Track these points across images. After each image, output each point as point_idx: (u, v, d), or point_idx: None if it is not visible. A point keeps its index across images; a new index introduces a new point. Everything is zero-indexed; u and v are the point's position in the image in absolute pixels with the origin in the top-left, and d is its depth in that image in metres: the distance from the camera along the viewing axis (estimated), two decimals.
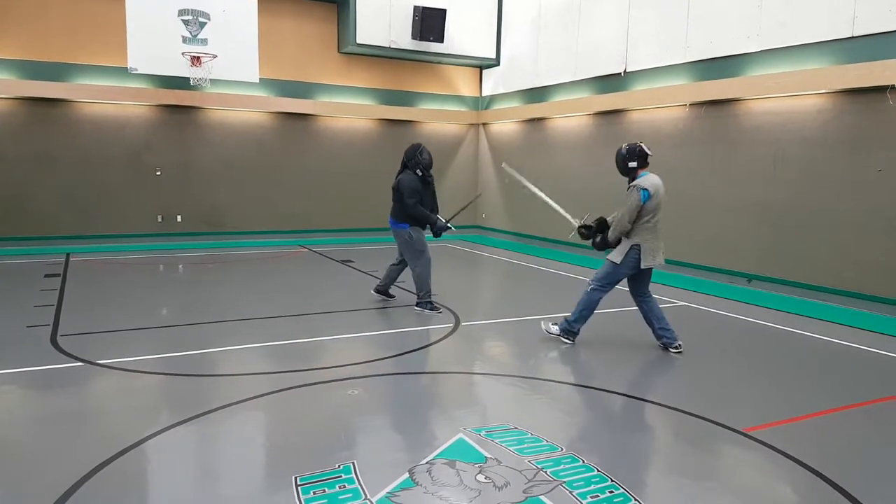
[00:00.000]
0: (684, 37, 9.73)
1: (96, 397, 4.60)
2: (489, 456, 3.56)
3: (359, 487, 3.18)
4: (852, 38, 7.62)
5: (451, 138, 14.95)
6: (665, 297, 7.98)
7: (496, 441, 3.76)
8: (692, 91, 9.59)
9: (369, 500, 3.07)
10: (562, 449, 3.69)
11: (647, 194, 5.45)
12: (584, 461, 3.53)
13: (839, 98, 7.90)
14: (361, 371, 5.09)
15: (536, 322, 6.78)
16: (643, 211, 5.49)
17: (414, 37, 13.00)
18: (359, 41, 12.70)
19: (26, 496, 3.10)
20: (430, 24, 12.89)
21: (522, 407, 4.53)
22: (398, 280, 7.64)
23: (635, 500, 3.13)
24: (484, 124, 15.14)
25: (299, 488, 3.17)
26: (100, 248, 11.35)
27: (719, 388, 4.95)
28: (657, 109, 10.37)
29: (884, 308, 7.41)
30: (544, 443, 3.77)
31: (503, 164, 7.78)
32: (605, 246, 5.85)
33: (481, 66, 14.88)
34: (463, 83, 15.03)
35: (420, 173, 7.03)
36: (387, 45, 12.97)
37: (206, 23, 10.60)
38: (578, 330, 5.89)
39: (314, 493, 3.13)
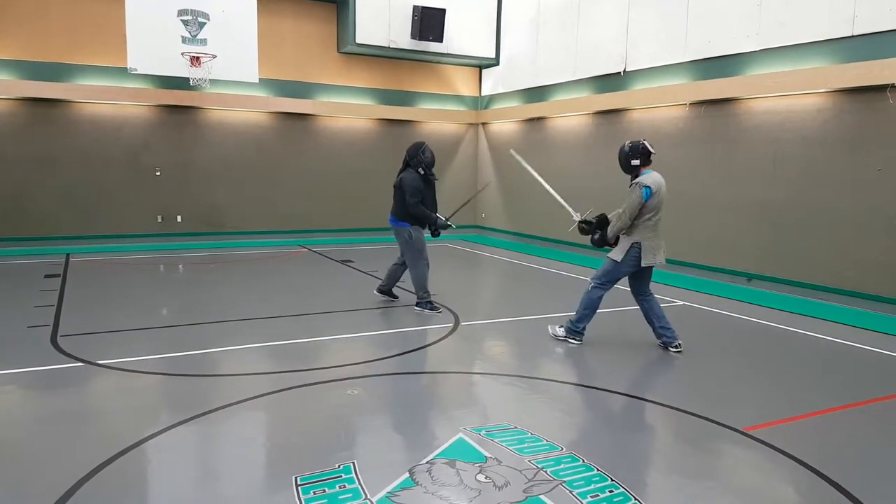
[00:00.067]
0: (684, 36, 9.73)
1: (96, 397, 4.60)
2: (489, 455, 3.56)
3: (359, 487, 3.18)
4: (852, 37, 7.62)
5: (450, 138, 14.95)
6: (665, 297, 7.98)
7: (496, 441, 3.76)
8: (692, 90, 9.59)
9: (369, 499, 3.07)
10: (562, 448, 3.69)
11: (648, 192, 5.45)
12: (584, 461, 3.53)
13: (839, 97, 7.90)
14: (361, 371, 5.09)
15: (536, 322, 6.79)
16: (644, 209, 5.49)
17: (413, 36, 13.01)
18: (358, 41, 12.71)
19: (26, 496, 3.11)
20: (429, 23, 12.90)
21: (522, 406, 4.53)
22: (399, 280, 7.62)
23: (635, 499, 3.13)
24: (483, 124, 15.14)
25: (299, 488, 3.17)
26: (100, 249, 11.35)
27: (719, 387, 4.95)
28: (657, 109, 10.38)
29: (884, 307, 7.41)
30: (544, 442, 3.77)
31: (511, 151, 7.80)
32: (604, 243, 5.86)
33: (481, 65, 14.88)
34: (462, 83, 15.03)
35: (422, 172, 7.01)
36: (386, 44, 12.97)
37: (205, 23, 10.60)
38: (583, 329, 5.89)
39: (314, 493, 3.13)
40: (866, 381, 5.13)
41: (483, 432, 3.89)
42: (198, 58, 10.52)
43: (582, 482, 3.28)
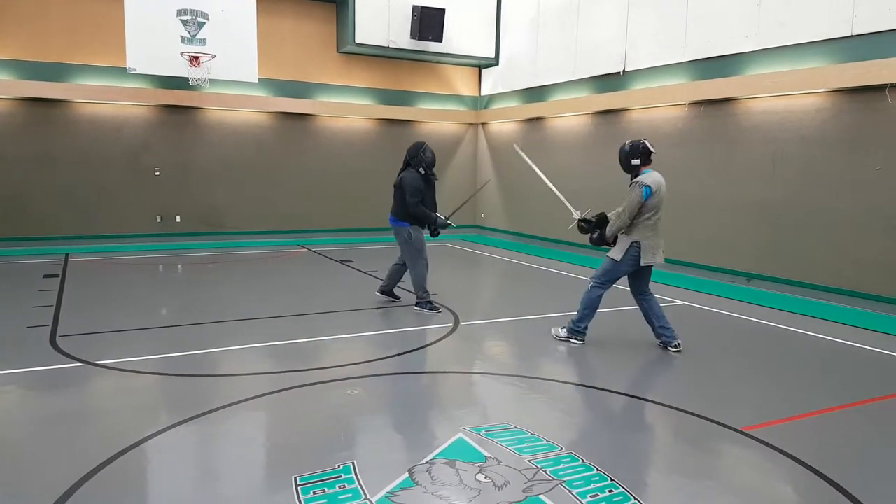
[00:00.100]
0: (683, 36, 9.74)
1: (96, 397, 4.60)
2: (489, 455, 3.57)
3: (359, 487, 3.18)
4: (851, 37, 7.63)
5: (450, 138, 14.95)
6: (665, 297, 7.98)
7: (496, 440, 3.77)
8: (691, 90, 9.60)
9: (369, 499, 3.07)
10: (561, 448, 3.70)
11: (648, 191, 5.46)
12: (583, 460, 3.53)
13: (838, 97, 7.91)
14: (361, 371, 5.09)
15: (536, 322, 6.80)
16: (644, 208, 5.50)
17: (413, 36, 13.01)
18: (358, 41, 12.71)
19: (26, 496, 3.11)
20: (428, 23, 12.90)
21: (522, 406, 4.53)
22: (400, 280, 7.61)
23: (635, 499, 3.14)
24: (483, 124, 15.14)
25: (299, 488, 3.17)
26: (99, 249, 11.35)
27: (719, 387, 4.96)
28: (656, 109, 10.38)
29: (883, 307, 7.41)
30: (544, 442, 3.78)
31: (514, 145, 7.80)
32: (602, 242, 5.86)
33: (480, 65, 14.88)
34: (462, 83, 15.04)
35: (423, 172, 7.00)
36: (386, 44, 12.97)
37: (204, 23, 10.60)
38: (585, 329, 5.90)
39: (314, 493, 3.13)
40: (865, 380, 5.13)
41: (483, 432, 3.89)
42: (197, 58, 10.52)
43: (581, 482, 3.29)
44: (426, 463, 3.46)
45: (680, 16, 9.75)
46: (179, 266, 10.24)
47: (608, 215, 5.84)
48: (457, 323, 6.64)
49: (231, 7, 10.82)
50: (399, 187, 7.03)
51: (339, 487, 3.18)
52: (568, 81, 12.18)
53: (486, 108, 14.98)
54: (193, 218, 12.66)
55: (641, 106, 10.60)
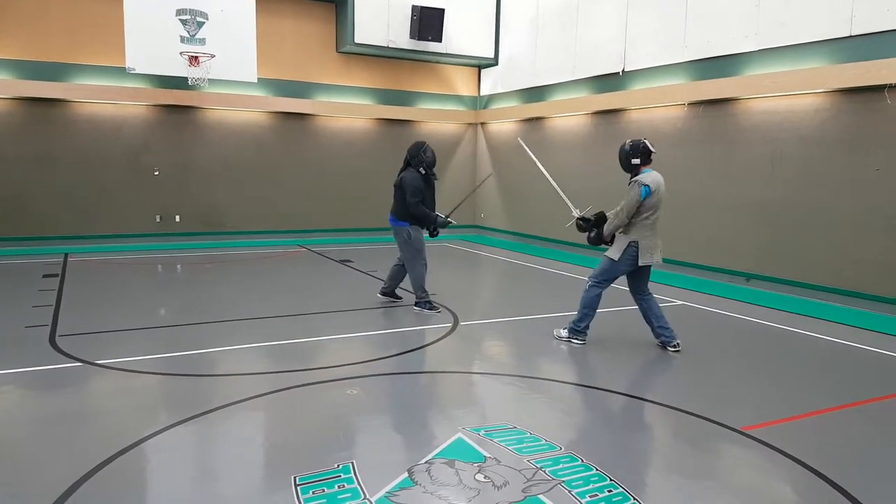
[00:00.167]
0: (682, 36, 9.74)
1: (95, 397, 4.60)
2: (488, 455, 3.57)
3: (358, 487, 3.18)
4: (850, 37, 7.63)
5: (449, 138, 14.95)
6: (664, 297, 7.98)
7: (495, 440, 3.77)
8: (690, 90, 9.60)
9: (368, 499, 3.07)
10: (561, 448, 3.70)
11: (647, 190, 5.45)
12: (583, 460, 3.53)
13: (837, 97, 7.91)
14: (360, 371, 5.09)
15: (535, 322, 6.80)
16: (642, 207, 5.49)
17: (412, 36, 13.01)
18: (357, 41, 12.71)
19: (26, 496, 3.10)
20: (428, 23, 12.90)
21: (521, 406, 4.53)
22: (402, 281, 7.59)
23: (634, 499, 3.14)
24: (482, 124, 15.14)
25: (298, 488, 3.17)
26: (98, 249, 11.34)
27: (718, 387, 4.96)
28: (655, 109, 10.38)
29: (883, 307, 7.42)
30: (543, 442, 3.78)
31: (519, 139, 7.79)
32: (600, 241, 5.85)
33: (480, 65, 14.88)
34: (461, 83, 15.03)
35: (423, 172, 6.99)
36: (385, 44, 12.97)
37: (204, 22, 10.59)
38: (586, 329, 5.90)
39: (313, 492, 3.13)
40: (864, 380, 5.13)
41: (482, 432, 3.89)
42: (196, 57, 10.52)
43: (581, 482, 3.29)
44: (425, 463, 3.46)
45: (679, 16, 9.75)
46: (179, 266, 10.24)
47: (607, 214, 5.85)
48: (456, 323, 6.64)
49: (230, 7, 10.81)
50: (399, 187, 7.02)
51: (339, 487, 3.18)
52: (567, 81, 12.18)
53: (485, 108, 14.98)
54: (193, 218, 12.65)
55: (641, 106, 10.60)
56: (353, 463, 3.43)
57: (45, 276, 8.74)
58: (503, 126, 14.44)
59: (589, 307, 5.82)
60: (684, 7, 9.67)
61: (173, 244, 12.12)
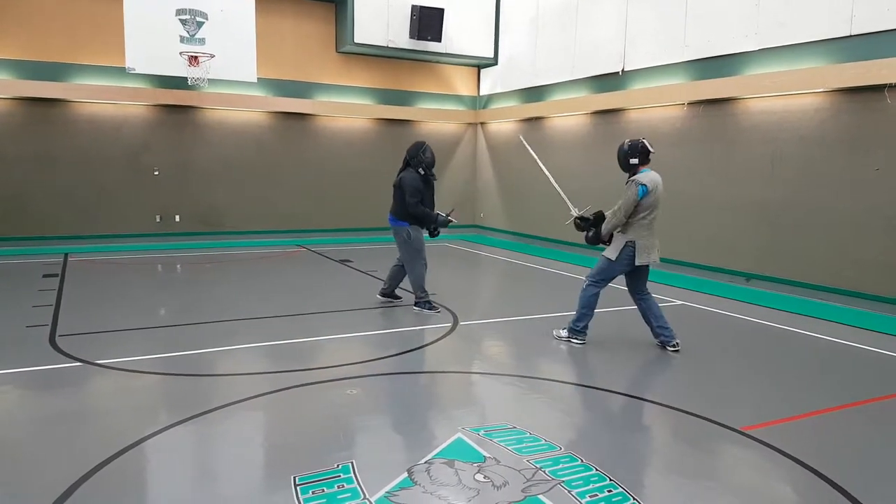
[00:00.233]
0: (682, 36, 9.74)
1: (95, 397, 4.60)
2: (488, 455, 3.57)
3: (357, 487, 3.18)
4: (850, 36, 7.63)
5: (449, 138, 14.95)
6: (664, 297, 7.99)
7: (495, 440, 3.77)
8: (690, 90, 9.59)
9: (368, 499, 3.07)
10: (560, 448, 3.69)
11: (644, 190, 5.44)
12: (582, 460, 3.53)
13: (837, 97, 7.91)
14: (360, 371, 5.09)
15: (535, 322, 6.80)
16: (640, 207, 5.48)
17: (412, 36, 13.00)
18: (357, 41, 12.70)
19: (26, 496, 3.10)
20: (427, 23, 12.90)
21: (521, 406, 4.53)
22: (402, 281, 7.57)
23: (634, 499, 3.13)
24: (482, 123, 15.14)
25: (298, 488, 3.17)
26: (98, 248, 11.34)
27: (718, 387, 4.96)
28: (655, 108, 10.38)
29: (883, 307, 7.41)
30: (543, 442, 3.77)
31: (520, 137, 7.77)
32: (598, 241, 5.84)
33: (479, 65, 14.87)
34: (461, 82, 15.03)
35: (422, 172, 6.98)
36: (385, 44, 12.97)
37: (203, 22, 10.58)
38: (584, 328, 5.89)
39: (313, 492, 3.13)
40: (864, 380, 5.13)
41: (482, 432, 3.89)
42: (196, 57, 10.51)
43: (580, 482, 3.29)
44: (425, 463, 3.46)
45: (679, 15, 9.75)
46: (178, 266, 10.24)
47: (605, 214, 5.84)
48: (455, 323, 6.64)
49: (230, 7, 10.80)
50: (398, 187, 7.02)
51: (339, 487, 3.18)
52: (567, 81, 12.17)
53: (484, 107, 14.98)
54: (192, 218, 12.64)
55: (640, 106, 10.60)
56: (352, 463, 3.43)
57: (45, 275, 8.74)
58: (503, 126, 14.44)
59: (587, 307, 5.82)
60: (684, 6, 9.67)
61: (173, 244, 12.12)
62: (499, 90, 14.43)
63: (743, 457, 3.75)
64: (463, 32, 13.65)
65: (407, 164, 7.05)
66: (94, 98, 11.48)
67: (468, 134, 15.25)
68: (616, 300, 7.36)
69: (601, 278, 5.78)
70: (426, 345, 5.93)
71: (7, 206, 11.18)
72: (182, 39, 10.46)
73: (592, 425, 4.34)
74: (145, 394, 4.61)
